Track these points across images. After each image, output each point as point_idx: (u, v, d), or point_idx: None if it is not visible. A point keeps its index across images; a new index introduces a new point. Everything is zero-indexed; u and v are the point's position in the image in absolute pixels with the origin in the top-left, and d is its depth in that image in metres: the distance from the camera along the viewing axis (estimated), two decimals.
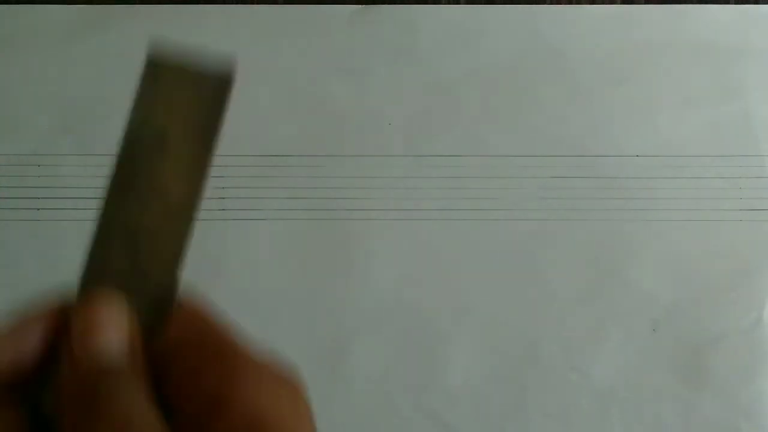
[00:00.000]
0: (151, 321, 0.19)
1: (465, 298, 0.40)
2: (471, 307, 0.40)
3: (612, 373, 0.39)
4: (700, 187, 0.41)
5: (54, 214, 0.41)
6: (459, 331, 0.40)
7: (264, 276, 0.40)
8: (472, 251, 0.41)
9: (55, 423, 0.18)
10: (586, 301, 0.40)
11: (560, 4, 0.44)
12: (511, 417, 0.39)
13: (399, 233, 0.41)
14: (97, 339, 0.18)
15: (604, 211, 0.41)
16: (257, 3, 0.44)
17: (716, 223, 0.41)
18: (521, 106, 0.42)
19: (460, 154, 0.42)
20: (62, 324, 0.19)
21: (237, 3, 0.44)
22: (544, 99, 0.43)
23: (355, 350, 0.39)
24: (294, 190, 0.41)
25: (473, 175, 0.41)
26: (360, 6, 0.44)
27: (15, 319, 0.20)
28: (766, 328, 0.40)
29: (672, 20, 0.44)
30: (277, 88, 0.42)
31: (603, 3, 0.44)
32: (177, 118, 0.22)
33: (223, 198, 0.39)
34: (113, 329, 0.18)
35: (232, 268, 0.40)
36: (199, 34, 0.43)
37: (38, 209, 0.41)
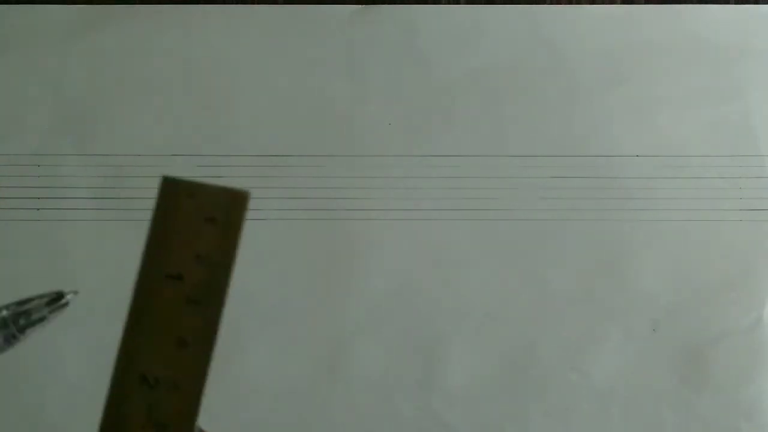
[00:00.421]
0: None
1: (465, 298, 0.40)
2: (471, 307, 0.40)
3: (612, 373, 0.39)
4: (700, 187, 0.41)
5: (54, 214, 0.41)
6: (459, 331, 0.40)
7: (264, 276, 0.40)
8: (472, 251, 0.41)
9: None
10: (586, 301, 0.40)
11: (560, 4, 0.44)
12: (511, 417, 0.39)
13: (399, 233, 0.41)
14: None
15: (604, 211, 0.41)
16: (257, 3, 0.44)
17: (716, 223, 0.41)
18: (521, 106, 0.42)
19: (460, 154, 0.42)
20: None
21: (237, 3, 0.44)
22: (544, 99, 0.43)
23: (355, 350, 0.39)
24: (294, 190, 0.41)
25: (473, 175, 0.41)
26: (360, 6, 0.44)
27: None
28: (766, 328, 0.40)
29: (672, 20, 0.44)
30: (277, 88, 0.42)
31: (603, 3, 0.44)
32: (192, 248, 0.21)
33: None
34: None
35: (235, 263, 0.39)
36: (199, 34, 0.43)
37: (38, 209, 0.41)
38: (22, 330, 0.27)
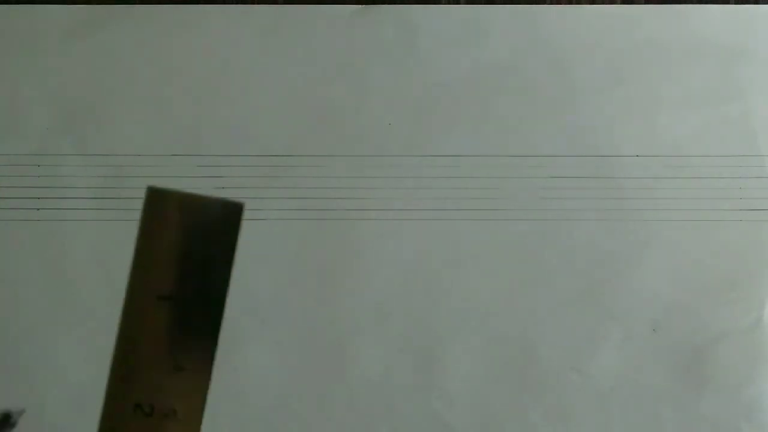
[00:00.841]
0: None
1: (465, 298, 0.40)
2: (471, 307, 0.40)
3: (612, 373, 0.39)
4: (700, 187, 0.41)
5: (54, 214, 0.41)
6: (459, 331, 0.40)
7: (263, 276, 0.40)
8: (472, 251, 0.41)
9: None
10: (586, 301, 0.40)
11: (560, 4, 0.44)
12: (511, 417, 0.39)
13: (399, 233, 0.41)
14: None
15: (604, 211, 0.41)
16: (257, 3, 0.44)
17: (716, 223, 0.41)
18: (521, 105, 0.42)
19: (460, 154, 0.42)
20: None
21: (237, 3, 0.44)
22: (544, 99, 0.43)
23: (355, 350, 0.39)
24: (294, 190, 0.41)
25: (473, 175, 0.41)
26: (360, 6, 0.44)
27: None
28: (766, 328, 0.40)
29: (672, 20, 0.44)
30: (277, 88, 0.42)
31: (603, 3, 0.44)
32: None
33: None
34: None
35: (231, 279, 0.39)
36: (199, 34, 0.43)
37: (38, 209, 0.41)
38: None
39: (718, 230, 0.41)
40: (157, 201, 0.20)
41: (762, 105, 0.43)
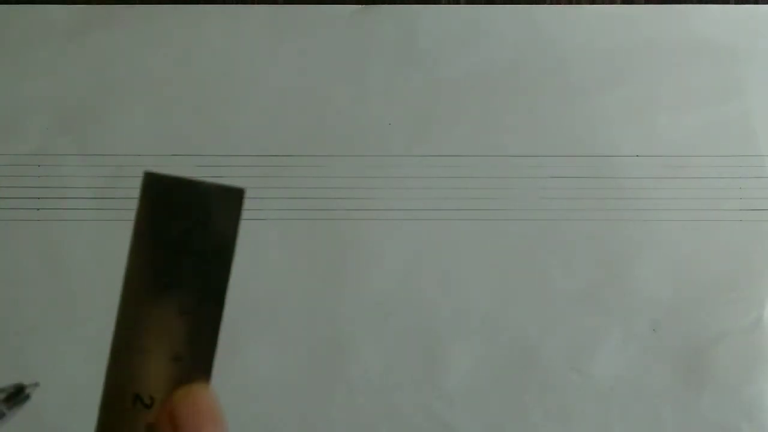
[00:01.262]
0: None
1: (465, 298, 0.40)
2: (471, 307, 0.40)
3: (612, 373, 0.39)
4: (700, 187, 0.41)
5: (54, 214, 0.41)
6: (459, 331, 0.40)
7: (263, 276, 0.40)
8: (472, 251, 0.41)
9: None
10: (586, 301, 0.40)
11: (560, 4, 0.44)
12: (511, 417, 0.39)
13: (399, 233, 0.41)
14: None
15: (604, 211, 0.41)
16: (257, 3, 0.44)
17: (716, 223, 0.41)
18: (521, 106, 0.42)
19: (460, 154, 0.42)
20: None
21: (237, 3, 0.44)
22: (544, 99, 0.43)
23: (355, 350, 0.39)
24: (294, 190, 0.41)
25: (473, 175, 0.41)
26: (360, 6, 0.44)
27: None
28: (766, 328, 0.40)
29: (672, 20, 0.44)
30: (277, 88, 0.42)
31: (603, 3, 0.44)
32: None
33: None
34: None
35: (232, 268, 0.39)
36: (199, 34, 0.43)
37: (38, 209, 0.41)
38: None
39: (718, 230, 0.41)
40: (155, 186, 0.19)
41: (762, 105, 0.43)
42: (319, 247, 0.40)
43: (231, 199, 0.19)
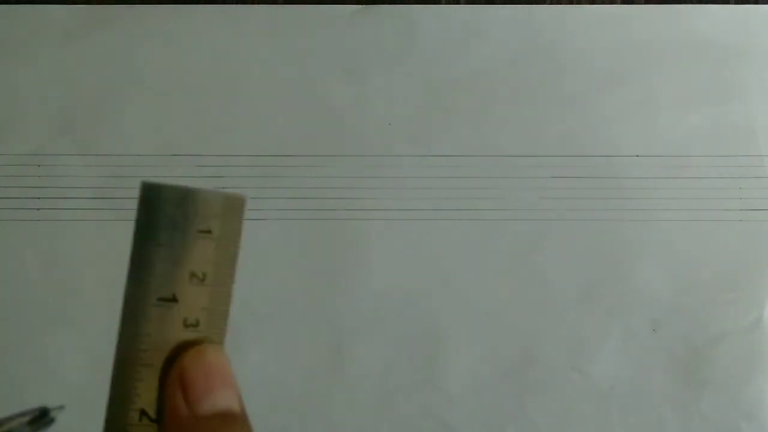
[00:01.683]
0: None
1: (465, 298, 0.40)
2: (471, 307, 0.40)
3: (612, 373, 0.39)
4: (700, 187, 0.41)
5: (54, 214, 0.41)
6: (459, 331, 0.40)
7: (263, 276, 0.40)
8: (472, 251, 0.41)
9: None
10: (586, 301, 0.40)
11: (560, 4, 0.44)
12: (511, 417, 0.39)
13: (399, 233, 0.41)
14: (220, 394, 0.18)
15: (604, 211, 0.41)
16: (257, 3, 0.44)
17: (716, 223, 0.41)
18: (521, 106, 0.42)
19: (460, 154, 0.42)
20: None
21: (237, 3, 0.44)
22: (543, 99, 0.43)
23: (355, 350, 0.39)
24: (294, 190, 0.41)
25: (473, 175, 0.41)
26: (360, 6, 0.44)
27: None
28: (766, 328, 0.40)
29: (672, 20, 0.44)
30: (277, 88, 0.42)
31: (603, 3, 0.44)
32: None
33: None
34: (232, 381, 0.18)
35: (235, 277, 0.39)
36: (199, 34, 0.43)
37: (38, 209, 0.41)
38: None
39: (718, 230, 0.41)
40: (153, 196, 0.19)
41: (762, 105, 0.43)
42: (319, 247, 0.40)
43: (232, 206, 0.19)
